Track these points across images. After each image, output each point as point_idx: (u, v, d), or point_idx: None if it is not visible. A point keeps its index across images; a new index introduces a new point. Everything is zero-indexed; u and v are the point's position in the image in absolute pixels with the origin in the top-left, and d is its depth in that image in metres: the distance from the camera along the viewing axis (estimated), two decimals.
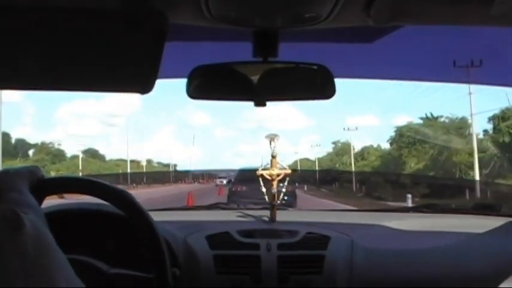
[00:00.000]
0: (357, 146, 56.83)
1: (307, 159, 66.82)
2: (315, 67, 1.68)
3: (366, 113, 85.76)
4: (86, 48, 1.27)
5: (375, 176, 38.47)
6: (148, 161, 66.86)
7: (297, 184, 35.40)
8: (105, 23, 1.27)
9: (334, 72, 1.67)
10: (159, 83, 1.37)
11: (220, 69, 1.69)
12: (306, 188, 32.29)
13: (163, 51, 1.28)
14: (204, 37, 1.93)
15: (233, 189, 15.70)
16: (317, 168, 58.02)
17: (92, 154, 57.36)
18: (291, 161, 64.45)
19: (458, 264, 2.11)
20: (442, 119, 41.53)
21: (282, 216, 2.45)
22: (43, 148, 54.33)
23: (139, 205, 1.65)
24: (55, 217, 1.41)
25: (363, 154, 53.01)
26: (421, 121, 42.34)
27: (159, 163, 69.35)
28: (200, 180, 39.17)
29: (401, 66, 2.38)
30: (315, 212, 3.25)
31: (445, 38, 2.07)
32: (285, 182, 2.60)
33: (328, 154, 61.74)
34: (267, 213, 2.45)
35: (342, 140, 58.85)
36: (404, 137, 42.40)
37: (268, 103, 1.68)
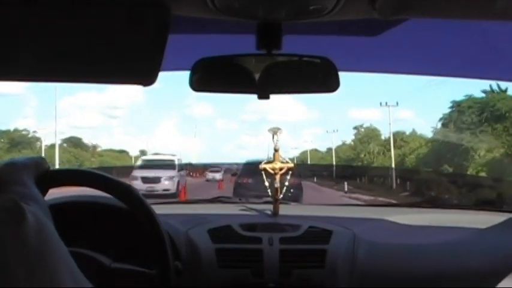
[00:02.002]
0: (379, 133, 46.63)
1: (316, 150, 59.80)
2: (319, 60, 1.67)
3: (370, 106, 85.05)
4: (88, 40, 1.27)
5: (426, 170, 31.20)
6: (142, 152, 63.88)
7: (315, 179, 32.90)
8: (108, 15, 1.26)
9: (338, 65, 1.66)
10: (161, 74, 1.35)
11: (224, 61, 1.68)
12: (346, 188, 24.69)
13: (167, 44, 1.27)
14: (208, 29, 1.92)
15: (239, 181, 15.85)
16: (334, 158, 50.30)
17: (74, 143, 53.14)
18: (297, 153, 59.35)
19: (459, 259, 2.11)
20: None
21: (284, 210, 2.45)
22: (3, 134, 49.69)
23: (142, 199, 1.65)
24: (58, 209, 1.41)
25: (395, 141, 41.14)
26: (483, 94, 30.98)
27: (156, 154, 66.80)
28: (192, 174, 36.46)
29: (406, 60, 2.37)
30: (317, 206, 3.25)
31: (451, 32, 2.06)
32: (288, 175, 2.60)
33: (344, 143, 52.31)
34: (270, 207, 2.46)
35: (366, 125, 49.25)
36: (465, 115, 30.57)
37: (271, 96, 1.67)
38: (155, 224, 1.64)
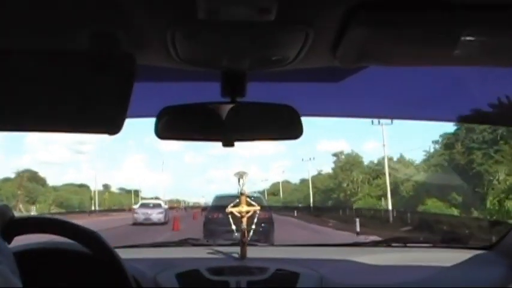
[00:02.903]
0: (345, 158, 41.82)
1: (288, 182, 55.20)
2: (282, 108, 1.69)
3: (339, 138, 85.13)
4: (54, 89, 1.28)
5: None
6: (105, 186, 59.05)
7: (296, 213, 29.45)
8: (74, 65, 1.28)
9: (302, 110, 1.69)
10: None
11: (189, 109, 1.70)
12: (358, 228, 18.44)
13: (132, 92, 1.29)
14: (173, 77, 1.94)
15: (209, 216, 15.13)
16: (310, 189, 44.86)
17: (29, 177, 50.31)
18: (267, 185, 55.75)
19: None
20: None
21: (252, 252, 2.45)
22: None
23: (107, 244, 1.65)
24: (23, 256, 1.41)
25: (380, 170, 35.86)
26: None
27: (121, 189, 62.05)
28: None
29: (367, 104, 2.41)
30: (284, 247, 3.25)
31: (411, 76, 2.11)
32: (254, 218, 2.62)
33: (320, 173, 46.56)
34: (238, 249, 2.46)
35: (346, 151, 43.64)
36: (475, 133, 25.87)
37: (236, 143, 1.69)
38: (121, 270, 1.64)
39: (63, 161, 72.10)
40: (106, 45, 1.29)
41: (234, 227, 2.60)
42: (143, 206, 24.84)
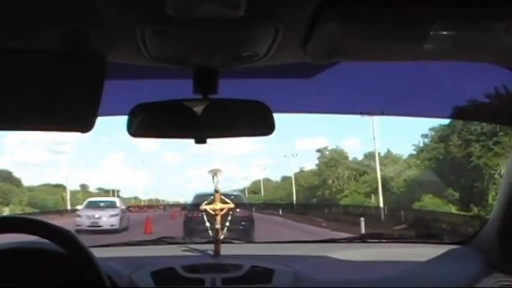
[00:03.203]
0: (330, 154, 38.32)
1: (268, 180, 51.51)
2: (254, 104, 1.70)
3: (316, 135, 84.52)
4: (25, 87, 1.27)
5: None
6: (83, 186, 58.93)
7: (281, 211, 28.12)
8: (44, 63, 1.27)
9: (274, 107, 1.69)
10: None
11: (161, 106, 1.70)
12: (363, 229, 16.84)
13: (104, 90, 1.29)
14: (145, 75, 1.94)
15: (189, 215, 14.74)
16: (293, 186, 41.85)
17: (3, 178, 47.63)
18: (248, 184, 52.37)
19: None
20: None
21: (227, 249, 2.45)
22: None
23: (81, 243, 1.65)
24: None
25: (367, 166, 33.66)
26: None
27: (99, 189, 61.90)
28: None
29: (339, 100, 2.43)
30: (259, 244, 3.26)
31: (381, 71, 2.12)
32: (228, 216, 2.62)
33: (302, 170, 42.94)
34: (212, 246, 2.46)
35: (331, 147, 40.16)
36: (473, 124, 22.83)
37: (211, 140, 1.70)
38: (95, 268, 1.64)
39: (42, 161, 70.95)
40: (76, 43, 1.29)
41: (208, 224, 2.60)
42: (91, 205, 18.47)
